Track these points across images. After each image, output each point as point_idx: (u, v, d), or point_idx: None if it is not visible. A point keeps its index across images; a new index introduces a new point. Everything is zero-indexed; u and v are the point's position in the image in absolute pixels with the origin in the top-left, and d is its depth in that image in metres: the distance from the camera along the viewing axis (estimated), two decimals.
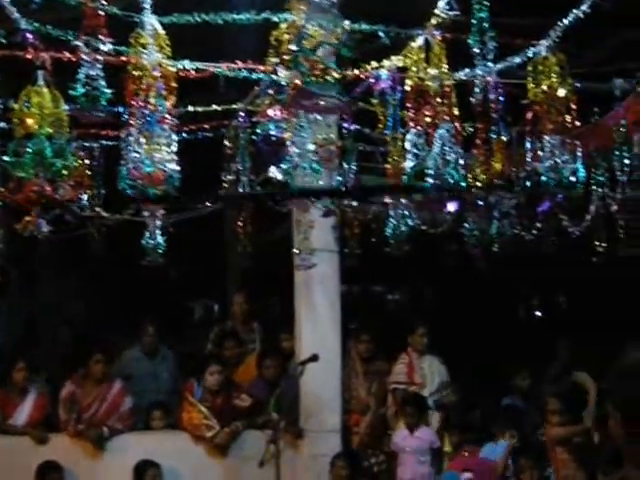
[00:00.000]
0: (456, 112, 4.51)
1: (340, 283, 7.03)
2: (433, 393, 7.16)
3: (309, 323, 6.95)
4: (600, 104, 6.01)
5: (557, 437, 5.38)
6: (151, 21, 4.04)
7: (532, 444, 5.59)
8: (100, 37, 3.58)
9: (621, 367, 1.89)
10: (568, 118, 4.66)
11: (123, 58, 4.21)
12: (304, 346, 6.84)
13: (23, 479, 6.47)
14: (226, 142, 6.00)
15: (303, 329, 7.00)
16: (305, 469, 6.82)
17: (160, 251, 5.12)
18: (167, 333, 8.28)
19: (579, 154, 4.50)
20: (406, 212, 5.12)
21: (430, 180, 4.09)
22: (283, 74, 3.96)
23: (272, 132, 5.08)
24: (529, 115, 4.48)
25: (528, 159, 4.41)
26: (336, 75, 3.81)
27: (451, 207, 5.75)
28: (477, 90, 4.35)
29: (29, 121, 4.57)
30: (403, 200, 4.82)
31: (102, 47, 3.62)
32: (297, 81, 3.80)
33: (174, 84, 4.18)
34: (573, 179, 4.54)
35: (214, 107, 5.84)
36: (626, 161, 5.63)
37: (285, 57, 3.89)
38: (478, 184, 4.42)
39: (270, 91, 4.27)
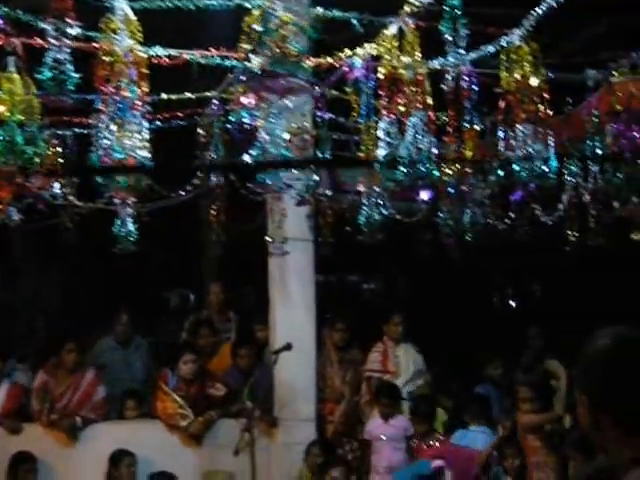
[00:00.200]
0: (430, 101, 4.52)
1: (315, 272, 7.05)
2: (408, 381, 7.20)
3: (284, 312, 6.96)
4: (573, 94, 6.05)
5: (528, 425, 5.43)
6: (122, 6, 4.00)
7: (514, 432, 5.63)
8: (68, 21, 3.54)
9: (587, 353, 1.91)
10: (541, 108, 4.69)
11: (94, 44, 4.17)
12: (278, 335, 6.85)
13: None
14: (200, 130, 5.97)
15: (278, 318, 7.00)
16: (280, 457, 6.84)
17: (132, 239, 5.09)
18: (142, 322, 8.25)
19: (551, 143, 4.52)
20: (379, 201, 5.12)
21: (402, 169, 4.09)
22: (256, 61, 3.94)
23: (245, 120, 5.08)
24: (502, 104, 4.49)
25: (500, 148, 4.43)
26: (302, 57, 3.79)
27: (424, 195, 5.77)
28: (449, 78, 4.35)
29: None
30: (376, 188, 4.83)
31: (70, 31, 3.57)
32: (259, 61, 3.78)
33: (145, 70, 4.14)
34: (545, 169, 4.57)
35: (187, 95, 5.81)
36: (598, 151, 5.66)
37: (257, 43, 3.88)
38: (449, 172, 4.43)
39: (243, 78, 4.25)
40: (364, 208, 5.01)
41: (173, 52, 4.78)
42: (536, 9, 4.58)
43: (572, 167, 6.03)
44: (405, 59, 4.38)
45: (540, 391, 5.38)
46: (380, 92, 4.40)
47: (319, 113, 5.94)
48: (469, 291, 9.93)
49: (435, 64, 4.76)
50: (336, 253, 6.97)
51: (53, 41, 3.50)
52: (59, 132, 6.18)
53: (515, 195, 5.51)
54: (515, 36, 4.62)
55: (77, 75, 3.59)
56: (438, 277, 9.75)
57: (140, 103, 3.99)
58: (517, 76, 4.54)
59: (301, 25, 3.73)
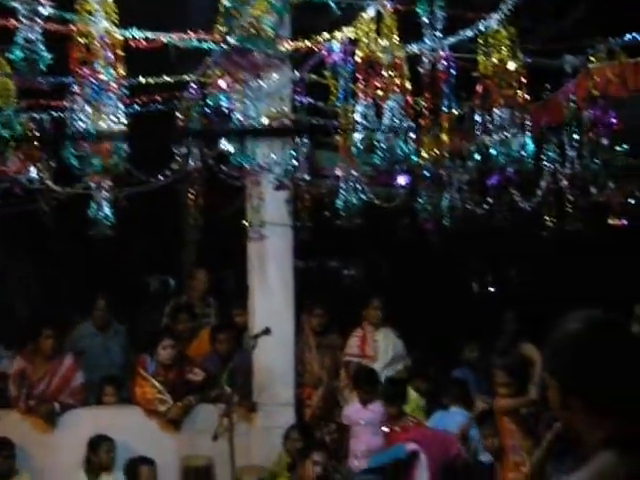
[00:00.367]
0: (408, 85, 4.52)
1: (293, 257, 7.05)
2: (386, 366, 7.23)
3: (262, 297, 6.97)
4: (551, 80, 6.07)
5: (504, 408, 5.46)
6: None
7: (492, 412, 5.66)
8: (40, 0, 3.50)
9: (557, 337, 1.92)
10: (519, 92, 4.70)
11: (69, 25, 4.12)
12: (257, 320, 6.85)
13: None
14: (178, 114, 5.93)
15: (256, 303, 7.01)
16: (259, 442, 6.85)
17: (109, 223, 5.06)
18: (122, 308, 8.22)
19: (528, 128, 4.54)
20: (358, 185, 5.12)
21: (379, 152, 4.09)
22: (232, 43, 3.92)
23: (223, 104, 5.06)
24: (479, 88, 4.50)
25: (478, 133, 4.44)
26: (275, 36, 3.78)
27: (402, 180, 5.78)
28: (425, 60, 4.35)
29: None
30: (354, 173, 4.83)
31: (42, 10, 3.53)
32: (231, 40, 3.76)
33: (121, 53, 4.11)
34: (523, 153, 4.59)
35: (165, 78, 5.77)
36: (576, 137, 5.69)
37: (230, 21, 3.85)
38: (426, 156, 4.44)
39: (218, 59, 4.23)
40: (342, 192, 5.01)
41: (150, 35, 4.74)
42: None
43: (550, 153, 6.07)
44: (383, 42, 4.37)
45: (515, 375, 5.41)
46: (358, 75, 4.39)
47: (298, 97, 5.93)
48: (447, 276, 9.97)
49: (413, 48, 4.76)
50: (316, 239, 6.98)
51: (24, 20, 3.46)
52: (36, 116, 6.14)
53: (492, 179, 5.52)
54: (493, 21, 4.63)
55: (49, 55, 3.55)
56: (417, 262, 9.78)
57: (116, 85, 3.96)
58: (495, 60, 4.55)
59: (272, 2, 3.70)
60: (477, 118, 4.50)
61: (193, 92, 5.78)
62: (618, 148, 5.68)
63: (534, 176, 6.06)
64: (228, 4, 3.71)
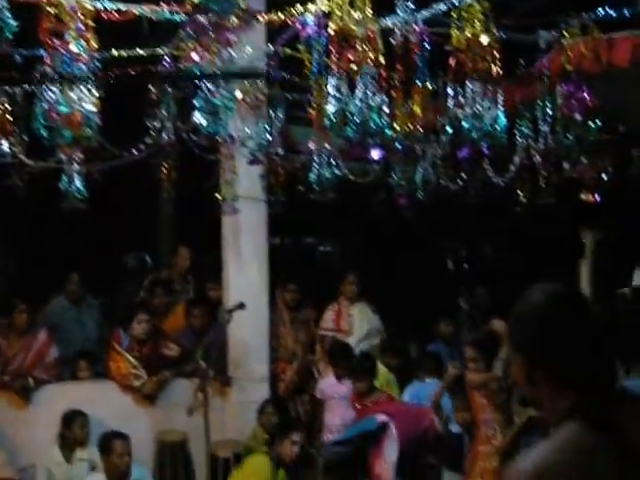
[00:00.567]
0: (381, 59, 4.51)
1: (270, 233, 7.05)
2: (361, 340, 7.28)
3: (237, 272, 6.97)
4: (526, 55, 6.07)
5: (474, 383, 5.52)
6: None
7: (463, 386, 5.72)
8: None
9: (521, 310, 1.92)
10: (492, 66, 4.71)
11: None
12: (232, 295, 6.86)
13: None
14: (151, 88, 5.87)
15: (231, 278, 7.01)
16: (234, 416, 6.88)
17: (80, 196, 5.02)
18: (97, 283, 8.20)
19: (500, 102, 4.55)
20: (332, 159, 5.12)
21: (352, 125, 4.08)
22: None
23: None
24: (452, 62, 4.50)
25: (450, 106, 4.45)
26: None
27: (375, 154, 5.77)
28: (398, 33, 4.34)
29: None
30: (327, 146, 4.82)
31: None
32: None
33: (92, 24, 4.06)
34: (495, 127, 4.61)
35: (138, 51, 5.72)
36: (549, 112, 5.71)
37: None
38: (399, 129, 4.44)
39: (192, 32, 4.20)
40: (315, 166, 5.00)
41: (121, 6, 4.69)
42: None
43: (523, 128, 6.08)
44: (356, 15, 4.35)
45: (484, 351, 5.45)
46: (331, 48, 4.38)
47: (272, 72, 5.90)
48: (422, 251, 10.02)
49: (387, 21, 4.74)
50: (292, 215, 6.98)
51: None
52: (8, 89, 6.06)
53: (463, 152, 5.53)
54: None
55: (15, 23, 3.50)
56: (392, 238, 9.82)
57: (86, 57, 3.92)
58: (468, 34, 4.55)
59: None
60: (450, 91, 4.50)
61: (166, 65, 5.73)
62: (591, 124, 5.70)
63: (507, 152, 6.08)
64: None
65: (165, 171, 5.70)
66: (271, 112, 5.67)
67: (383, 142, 4.72)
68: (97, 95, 4.19)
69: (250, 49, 5.56)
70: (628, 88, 6.22)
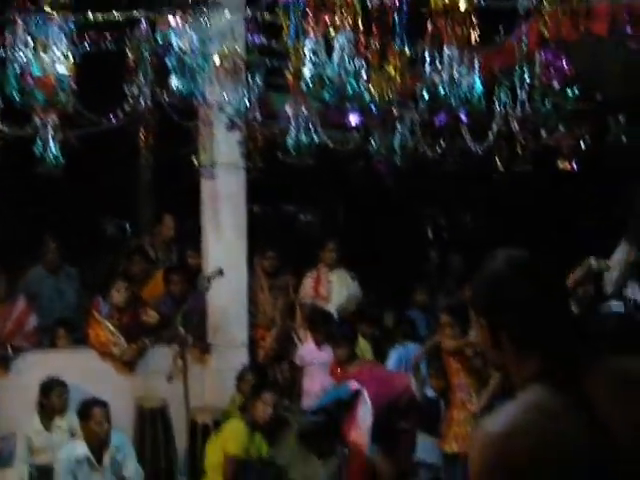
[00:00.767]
0: (359, 23, 4.48)
1: (247, 199, 7.04)
2: (340, 307, 7.32)
3: (215, 239, 6.97)
4: (505, 23, 6.06)
5: (449, 349, 5.58)
6: None
7: (439, 353, 5.77)
8: None
9: (483, 275, 1.93)
10: (470, 32, 4.70)
11: None
12: (211, 262, 6.87)
13: None
14: (128, 53, 5.82)
15: (210, 245, 7.01)
16: (213, 383, 6.92)
17: (55, 161, 4.98)
18: (75, 251, 8.17)
19: (477, 68, 4.55)
20: (310, 125, 5.10)
21: (329, 89, 4.07)
22: None
23: (174, 42, 4.99)
24: (429, 27, 4.49)
25: (426, 71, 4.44)
26: None
27: (353, 119, 5.77)
28: None
29: None
30: (304, 110, 4.81)
31: None
32: None
33: None
34: (472, 94, 4.61)
35: (115, 14, 5.64)
36: (527, 79, 5.71)
37: None
38: (376, 94, 4.43)
39: None
40: (292, 130, 4.99)
41: None
42: None
43: (502, 95, 6.08)
44: None
45: (459, 317, 5.49)
46: (308, 11, 4.35)
47: (251, 37, 5.86)
48: (401, 217, 10.05)
49: None
50: (271, 183, 6.96)
51: None
52: None
53: (439, 118, 5.53)
54: None
55: None
56: (372, 205, 9.84)
57: (59, 18, 3.87)
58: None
59: None
60: (427, 57, 4.49)
61: (143, 30, 5.67)
62: (569, 92, 5.71)
63: (486, 119, 6.09)
64: None
65: (143, 137, 5.66)
66: (250, 78, 5.64)
67: (361, 106, 4.71)
68: (71, 59, 4.15)
69: (228, 13, 5.53)
70: (606, 57, 6.24)
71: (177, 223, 8.08)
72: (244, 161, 6.35)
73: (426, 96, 4.38)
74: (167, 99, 5.30)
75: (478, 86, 4.44)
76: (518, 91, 5.84)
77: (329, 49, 4.36)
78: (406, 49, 4.66)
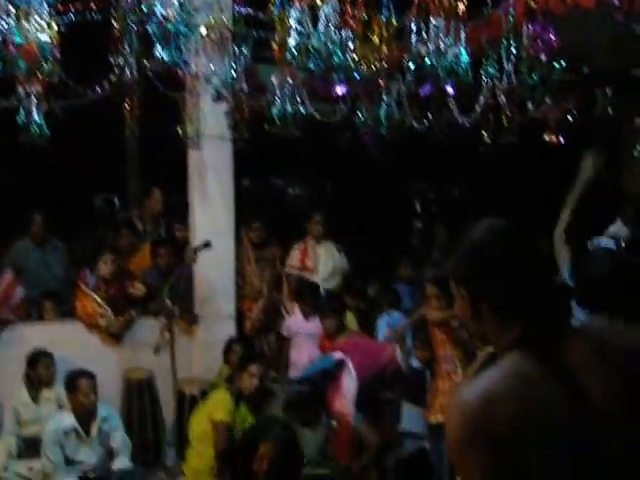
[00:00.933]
0: None
1: (233, 171, 7.02)
2: (326, 279, 7.34)
3: (202, 211, 6.96)
4: None
5: (434, 320, 5.59)
6: None
7: (424, 324, 5.79)
8: None
9: (463, 245, 1.92)
10: (458, 5, 4.68)
11: None
12: (198, 235, 6.86)
13: None
14: (113, 23, 5.77)
15: (197, 218, 7.00)
16: (200, 355, 6.94)
17: (39, 131, 4.94)
18: (63, 225, 8.15)
19: (463, 39, 4.54)
20: (296, 96, 5.09)
21: (315, 59, 4.06)
22: None
23: (158, 11, 4.94)
24: None
25: (413, 42, 4.43)
26: None
27: (340, 90, 5.75)
28: None
29: None
30: (290, 81, 4.79)
31: None
32: None
33: None
34: (459, 65, 4.60)
35: None
36: (514, 51, 5.69)
37: None
38: (359, 62, 4.42)
39: None
40: (277, 100, 4.97)
41: None
42: None
43: (489, 68, 6.07)
44: None
45: (445, 288, 5.48)
46: None
47: (238, 7, 5.82)
48: (388, 189, 10.06)
49: None
50: (259, 156, 6.94)
51: None
52: None
53: (425, 89, 5.51)
54: None
55: None
56: (359, 178, 9.84)
57: None
58: None
59: None
60: (413, 27, 4.47)
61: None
62: (555, 64, 5.70)
63: (473, 91, 6.08)
64: None
65: (129, 108, 5.63)
66: (236, 49, 5.61)
67: (347, 77, 4.69)
68: (55, 27, 4.11)
69: None
70: (593, 29, 6.22)
71: (165, 196, 8.08)
72: (231, 133, 6.32)
73: (412, 67, 4.36)
74: (152, 69, 5.26)
75: (464, 57, 4.43)
76: (505, 63, 5.83)
77: (315, 19, 4.35)
78: (392, 20, 4.62)
